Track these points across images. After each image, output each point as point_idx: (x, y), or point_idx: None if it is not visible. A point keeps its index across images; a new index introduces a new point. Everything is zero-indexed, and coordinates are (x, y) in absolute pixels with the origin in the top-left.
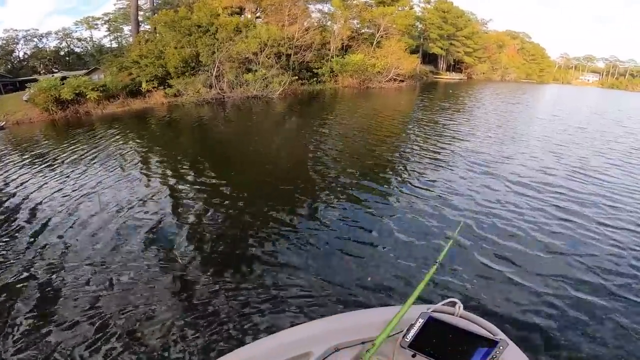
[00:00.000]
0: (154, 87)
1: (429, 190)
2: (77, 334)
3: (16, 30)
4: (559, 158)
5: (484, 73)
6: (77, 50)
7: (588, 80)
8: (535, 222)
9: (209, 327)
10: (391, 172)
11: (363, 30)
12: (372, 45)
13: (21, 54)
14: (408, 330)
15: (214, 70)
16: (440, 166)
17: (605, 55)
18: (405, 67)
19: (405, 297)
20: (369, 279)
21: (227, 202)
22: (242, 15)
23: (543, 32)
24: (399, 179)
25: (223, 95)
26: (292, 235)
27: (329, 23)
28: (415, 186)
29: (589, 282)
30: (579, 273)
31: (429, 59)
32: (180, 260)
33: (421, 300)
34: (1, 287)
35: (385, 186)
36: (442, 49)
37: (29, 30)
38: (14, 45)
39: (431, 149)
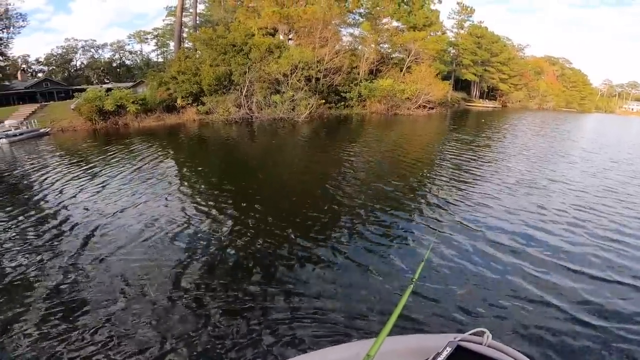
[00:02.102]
0: (188, 104)
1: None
2: (104, 339)
3: (76, 39)
4: (590, 221)
5: (520, 101)
6: (128, 62)
7: (632, 109)
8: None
9: (228, 344)
10: (402, 218)
11: (393, 55)
12: (401, 70)
13: (78, 63)
14: (434, 358)
15: (244, 89)
16: (443, 224)
17: None
18: (435, 94)
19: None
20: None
21: (245, 219)
22: (275, 37)
23: (584, 58)
24: (408, 228)
25: (251, 116)
26: (306, 256)
27: (359, 47)
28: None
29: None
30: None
31: (461, 85)
32: (196, 274)
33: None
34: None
35: (397, 231)
36: (475, 75)
37: (87, 40)
38: (73, 55)
39: (447, 197)
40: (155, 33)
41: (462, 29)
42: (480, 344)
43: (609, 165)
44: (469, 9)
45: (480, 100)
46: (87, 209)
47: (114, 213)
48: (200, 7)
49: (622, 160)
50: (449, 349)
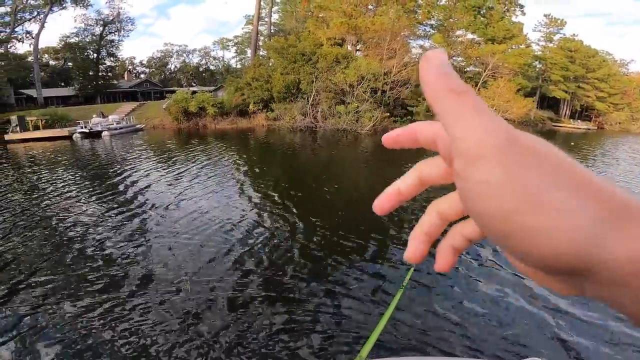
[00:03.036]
0: (258, 109)
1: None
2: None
3: (172, 44)
4: None
5: (620, 123)
6: (212, 67)
7: None
8: None
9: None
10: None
11: (467, 69)
12: (476, 85)
13: (172, 67)
14: None
15: (310, 98)
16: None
17: None
18: (514, 112)
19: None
20: None
21: (292, 224)
22: (343, 47)
23: None
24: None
25: (315, 124)
26: (354, 274)
27: None
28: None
29: None
30: None
31: (548, 103)
32: (236, 265)
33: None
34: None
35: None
36: (566, 92)
37: (181, 45)
38: (169, 59)
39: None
40: (236, 40)
41: (551, 42)
42: None
43: None
44: (559, 22)
45: (571, 120)
46: (155, 198)
47: (178, 203)
48: (275, 17)
49: None
50: None
